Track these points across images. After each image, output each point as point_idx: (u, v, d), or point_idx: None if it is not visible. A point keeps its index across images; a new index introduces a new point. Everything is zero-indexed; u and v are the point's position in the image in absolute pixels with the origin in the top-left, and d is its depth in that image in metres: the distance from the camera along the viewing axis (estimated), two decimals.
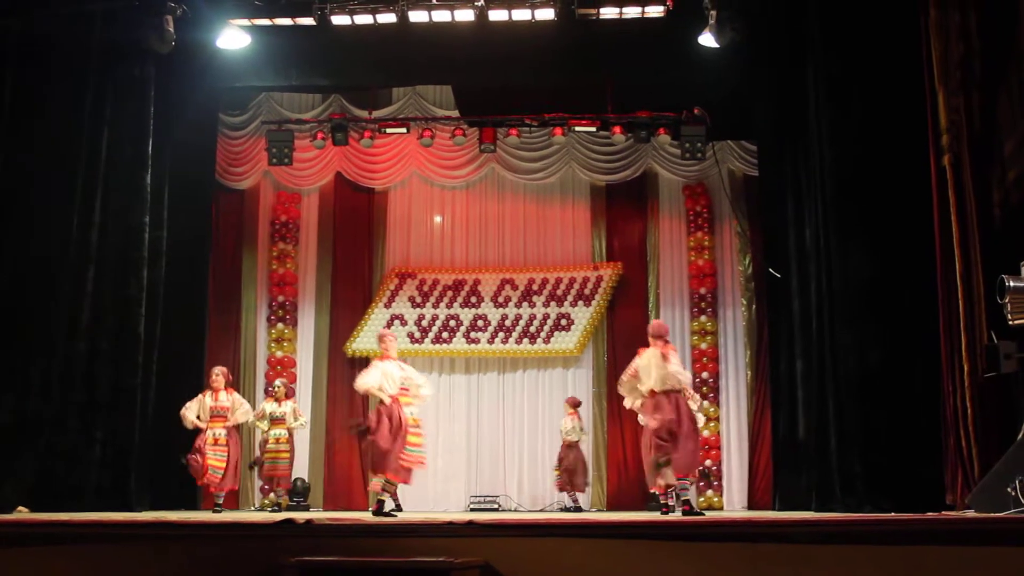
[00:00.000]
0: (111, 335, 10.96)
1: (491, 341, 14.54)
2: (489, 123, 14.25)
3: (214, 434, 11.55)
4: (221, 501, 11.78)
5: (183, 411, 11.55)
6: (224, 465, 11.57)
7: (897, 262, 9.57)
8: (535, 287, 14.68)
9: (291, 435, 13.04)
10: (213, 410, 11.64)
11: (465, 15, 11.75)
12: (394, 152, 14.86)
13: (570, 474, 13.28)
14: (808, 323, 11.23)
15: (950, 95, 8.70)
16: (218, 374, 11.77)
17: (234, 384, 13.97)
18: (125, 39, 11.24)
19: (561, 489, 13.46)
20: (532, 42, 12.10)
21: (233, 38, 12.07)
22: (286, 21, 12.24)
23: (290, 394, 13.74)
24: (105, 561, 5.66)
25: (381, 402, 9.28)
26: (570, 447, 13.35)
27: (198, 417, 11.61)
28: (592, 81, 13.66)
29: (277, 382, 13.60)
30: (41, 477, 9.92)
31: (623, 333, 14.53)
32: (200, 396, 11.71)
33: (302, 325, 14.93)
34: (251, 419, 12.61)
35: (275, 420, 12.96)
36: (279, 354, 14.64)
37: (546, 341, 14.48)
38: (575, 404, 13.60)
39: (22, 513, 9.32)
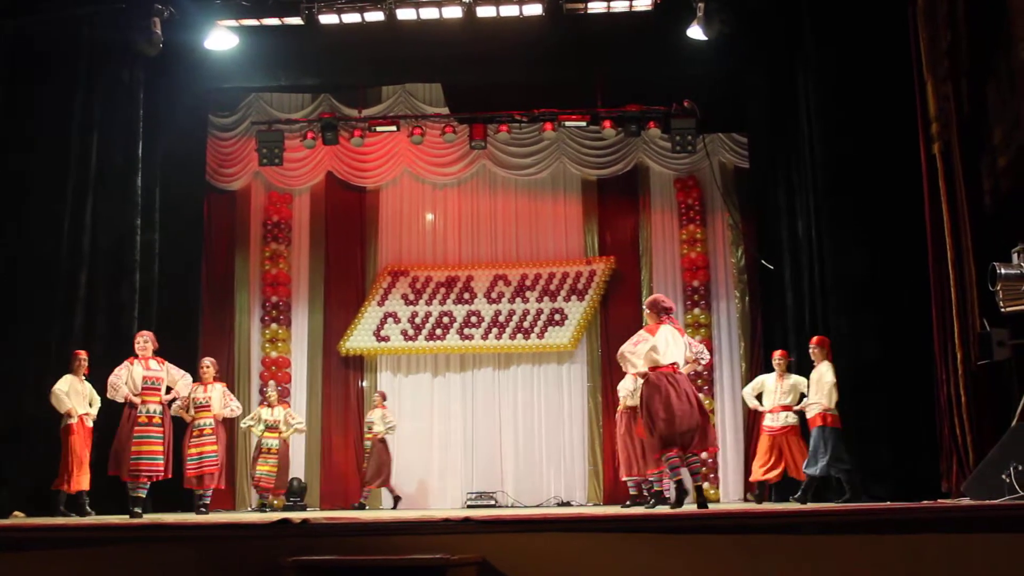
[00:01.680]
0: (104, 338, 10.94)
1: (485, 337, 14.54)
2: (479, 119, 14.25)
3: (147, 411, 9.66)
4: (143, 494, 9.72)
5: (111, 379, 9.66)
6: (163, 450, 9.70)
7: (889, 252, 9.59)
8: (528, 282, 14.68)
9: (285, 443, 12.92)
10: (146, 380, 9.74)
11: (453, 12, 11.76)
12: (384, 150, 14.85)
13: (377, 468, 13.45)
14: (801, 314, 11.26)
15: (939, 83, 8.72)
16: (147, 340, 9.95)
17: (229, 386, 14.03)
18: (113, 42, 11.24)
19: (365, 484, 13.59)
20: (520, 38, 12.11)
21: (221, 39, 12.04)
22: (274, 21, 12.25)
23: (283, 398, 13.73)
24: (101, 565, 5.66)
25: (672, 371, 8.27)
26: (381, 441, 13.55)
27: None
28: (581, 76, 13.66)
29: (270, 385, 13.32)
30: (37, 481, 9.90)
31: (617, 327, 14.52)
32: (127, 363, 9.78)
33: (296, 325, 14.91)
34: (244, 423, 12.38)
35: (269, 428, 12.77)
36: (273, 354, 14.62)
37: (540, 336, 14.48)
38: (384, 397, 13.91)
39: (18, 518, 9.29)
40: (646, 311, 8.73)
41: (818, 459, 9.94)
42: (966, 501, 7.31)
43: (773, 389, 10.81)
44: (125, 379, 9.65)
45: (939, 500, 8.25)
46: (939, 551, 4.99)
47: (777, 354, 11.03)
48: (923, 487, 8.75)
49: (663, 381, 8.23)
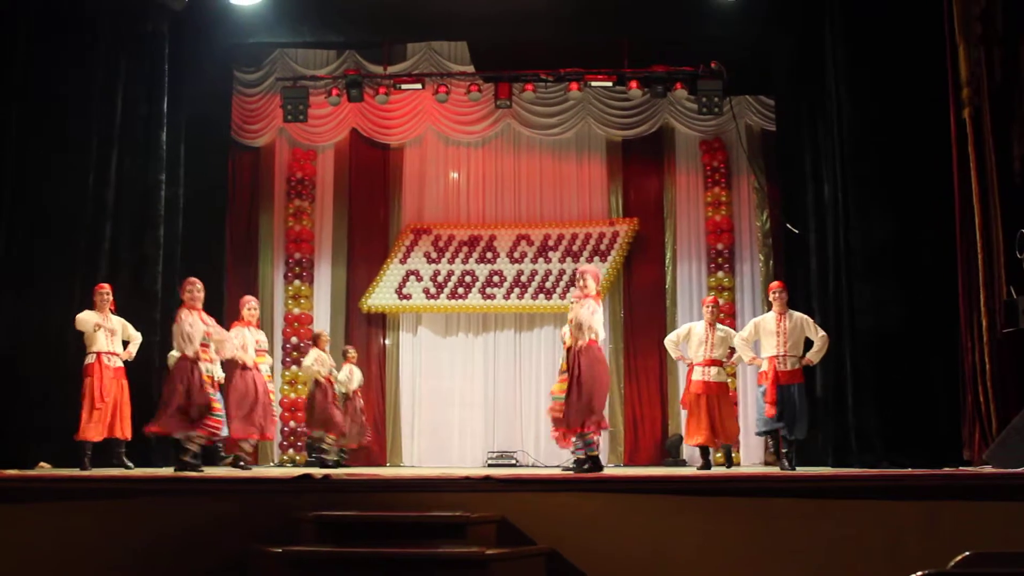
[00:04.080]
0: (127, 293, 10.97)
1: (507, 297, 14.53)
2: (505, 78, 14.15)
3: (206, 370, 9.50)
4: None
5: (186, 329, 8.99)
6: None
7: (916, 217, 9.53)
8: (551, 243, 14.65)
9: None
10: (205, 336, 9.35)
11: None
12: (409, 108, 14.79)
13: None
14: (826, 279, 11.20)
15: (971, 48, 8.61)
16: (200, 289, 9.33)
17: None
18: None
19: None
20: None
21: None
22: None
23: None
24: (126, 516, 5.72)
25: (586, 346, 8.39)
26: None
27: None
28: (608, 35, 13.54)
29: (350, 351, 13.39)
30: (62, 433, 9.97)
31: (639, 289, 14.54)
32: (194, 312, 9.19)
33: (319, 282, 14.94)
34: (341, 378, 12.74)
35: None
36: (296, 311, 14.67)
37: (562, 297, 14.44)
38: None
39: (44, 469, 9.39)
40: (594, 283, 8.59)
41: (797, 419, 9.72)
42: (988, 469, 7.29)
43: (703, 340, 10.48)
44: (200, 332, 9.07)
45: (960, 467, 8.23)
46: (959, 518, 4.98)
47: (709, 300, 11.05)
48: (945, 454, 8.73)
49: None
